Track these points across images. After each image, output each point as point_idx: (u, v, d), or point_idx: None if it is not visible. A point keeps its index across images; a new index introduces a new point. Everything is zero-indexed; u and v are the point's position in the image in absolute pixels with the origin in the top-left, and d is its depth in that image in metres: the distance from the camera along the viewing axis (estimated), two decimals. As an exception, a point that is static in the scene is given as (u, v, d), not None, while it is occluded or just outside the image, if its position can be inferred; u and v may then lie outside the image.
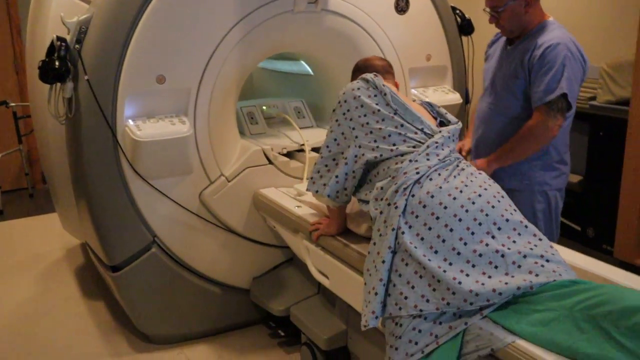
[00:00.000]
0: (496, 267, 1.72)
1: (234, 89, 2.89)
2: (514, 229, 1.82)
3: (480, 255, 1.74)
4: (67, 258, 3.96)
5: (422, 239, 1.81)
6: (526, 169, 2.53)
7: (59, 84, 2.64)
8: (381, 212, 1.92)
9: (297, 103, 3.39)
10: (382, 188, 1.98)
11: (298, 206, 2.67)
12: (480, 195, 1.86)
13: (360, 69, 2.40)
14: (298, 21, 2.91)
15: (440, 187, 1.87)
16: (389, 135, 2.04)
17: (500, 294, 1.65)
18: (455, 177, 1.93)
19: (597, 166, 3.63)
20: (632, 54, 3.32)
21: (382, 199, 1.96)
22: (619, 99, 3.45)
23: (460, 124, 2.19)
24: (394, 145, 2.03)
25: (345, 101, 2.14)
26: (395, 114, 2.08)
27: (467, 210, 1.81)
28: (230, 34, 2.74)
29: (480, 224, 1.80)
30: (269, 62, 3.37)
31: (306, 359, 2.70)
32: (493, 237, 1.78)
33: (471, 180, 1.92)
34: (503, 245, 1.76)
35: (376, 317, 1.81)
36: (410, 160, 1.97)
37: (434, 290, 1.72)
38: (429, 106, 2.29)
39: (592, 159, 3.65)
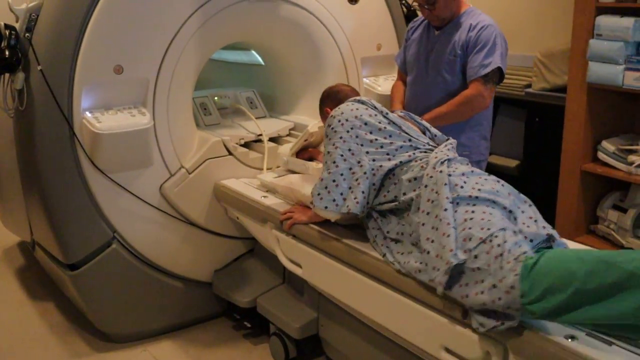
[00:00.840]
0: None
1: (191, 79, 2.83)
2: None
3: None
4: (4, 259, 3.73)
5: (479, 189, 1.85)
6: (465, 139, 2.73)
7: (7, 75, 2.50)
8: (426, 186, 1.90)
9: (248, 93, 3.36)
10: (415, 178, 1.99)
11: (264, 196, 2.66)
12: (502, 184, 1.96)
13: (330, 96, 2.50)
14: (254, 10, 2.89)
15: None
16: (401, 147, 2.09)
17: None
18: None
19: (534, 151, 3.80)
20: (564, 43, 3.49)
21: (416, 179, 1.98)
22: (553, 86, 3.62)
23: (455, 141, 2.25)
24: (406, 152, 2.08)
25: (346, 120, 2.15)
26: (400, 130, 2.13)
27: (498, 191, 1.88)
28: (188, 23, 2.69)
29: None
30: (219, 52, 3.31)
31: (276, 349, 2.69)
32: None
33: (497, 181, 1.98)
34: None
35: (455, 254, 1.71)
36: (435, 152, 2.01)
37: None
38: (412, 117, 2.36)
39: (529, 144, 3.82)
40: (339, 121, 2.15)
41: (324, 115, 2.53)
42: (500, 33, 2.66)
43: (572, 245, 2.00)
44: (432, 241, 1.81)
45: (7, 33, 2.42)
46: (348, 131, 2.13)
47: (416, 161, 2.05)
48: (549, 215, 3.53)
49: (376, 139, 2.11)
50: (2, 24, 2.43)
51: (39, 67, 2.42)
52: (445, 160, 1.96)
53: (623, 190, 3.20)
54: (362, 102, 2.20)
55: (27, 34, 2.46)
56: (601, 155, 3.15)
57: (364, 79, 3.28)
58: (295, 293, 2.72)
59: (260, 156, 2.96)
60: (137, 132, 2.54)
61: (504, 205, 1.80)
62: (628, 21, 2.85)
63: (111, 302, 2.77)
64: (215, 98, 3.25)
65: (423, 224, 1.87)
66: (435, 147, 2.14)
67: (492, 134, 4.03)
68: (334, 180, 2.10)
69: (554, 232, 1.82)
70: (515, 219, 1.81)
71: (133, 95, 2.61)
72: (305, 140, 2.76)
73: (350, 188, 2.08)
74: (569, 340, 1.56)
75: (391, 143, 2.10)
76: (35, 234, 2.94)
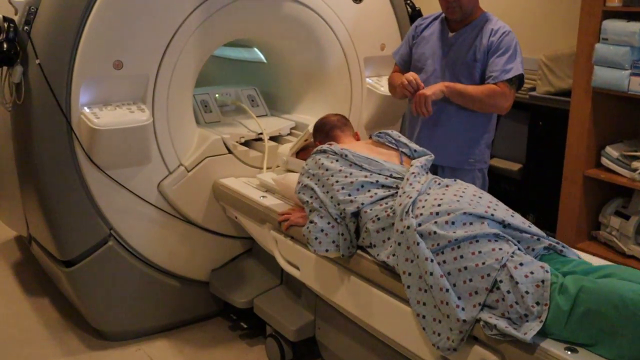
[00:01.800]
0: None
1: (192, 76, 2.79)
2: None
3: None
4: (1, 253, 3.70)
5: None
6: (471, 146, 2.70)
7: (5, 68, 2.47)
8: (399, 244, 1.85)
9: (250, 91, 3.32)
10: (383, 229, 1.97)
11: (263, 196, 2.63)
12: (480, 197, 1.92)
13: (318, 128, 2.56)
14: (257, 7, 2.85)
15: (441, 199, 1.88)
16: (362, 186, 2.07)
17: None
18: (447, 189, 1.97)
19: (537, 154, 3.76)
20: (569, 47, 3.45)
21: (388, 239, 1.95)
22: (557, 89, 3.58)
23: (432, 156, 2.24)
24: (368, 192, 2.05)
25: (313, 175, 2.18)
26: (361, 169, 2.12)
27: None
28: (190, 19, 2.66)
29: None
30: (220, 49, 3.28)
31: (272, 351, 2.66)
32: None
33: (463, 191, 1.93)
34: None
35: (463, 322, 1.67)
36: (399, 195, 1.97)
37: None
38: (388, 137, 2.33)
39: (532, 148, 3.78)
40: (309, 177, 2.20)
41: (316, 140, 2.57)
42: (518, 41, 2.64)
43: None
44: (424, 304, 1.75)
45: (6, 26, 2.38)
46: (316, 183, 2.16)
47: (380, 204, 2.01)
48: (551, 221, 3.51)
49: (337, 181, 2.10)
50: (1, 16, 2.40)
51: (37, 61, 2.39)
52: (409, 206, 1.88)
53: (626, 196, 3.16)
54: (324, 151, 2.22)
55: (25, 27, 2.42)
56: (605, 161, 3.10)
57: (367, 79, 3.24)
58: (292, 295, 2.69)
59: (261, 155, 2.93)
60: (135, 129, 2.50)
61: (487, 232, 1.74)
62: (635, 26, 2.81)
63: (106, 299, 2.74)
64: (217, 95, 3.22)
65: (408, 287, 1.80)
66: (401, 177, 2.08)
67: (495, 136, 4.01)
68: (328, 223, 2.08)
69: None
70: (509, 225, 1.80)
71: (132, 91, 2.58)
72: (306, 140, 2.72)
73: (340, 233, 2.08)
74: (569, 353, 1.52)
75: (351, 182, 2.08)
76: (32, 229, 2.91)
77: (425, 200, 1.91)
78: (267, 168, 2.89)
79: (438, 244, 1.76)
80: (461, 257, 1.72)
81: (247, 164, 2.91)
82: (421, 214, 1.84)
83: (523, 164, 3.85)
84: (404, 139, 2.34)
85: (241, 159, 2.89)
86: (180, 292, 2.89)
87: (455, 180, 2.08)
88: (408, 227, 1.82)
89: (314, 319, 2.53)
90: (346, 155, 2.16)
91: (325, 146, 2.24)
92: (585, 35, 3.06)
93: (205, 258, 2.93)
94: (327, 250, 2.07)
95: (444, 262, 1.74)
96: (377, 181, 2.07)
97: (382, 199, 2.03)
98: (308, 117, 3.20)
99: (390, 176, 2.10)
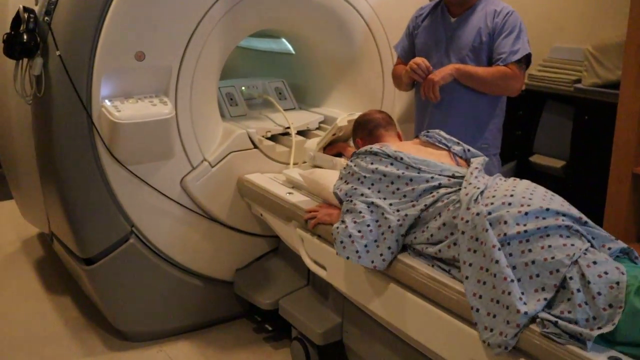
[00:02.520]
0: None
1: (216, 68, 2.80)
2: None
3: None
4: (24, 250, 3.77)
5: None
6: (483, 130, 2.75)
7: (26, 60, 2.50)
8: (463, 232, 1.82)
9: (277, 83, 3.32)
10: (444, 224, 1.92)
11: (290, 193, 2.63)
12: (552, 197, 1.88)
13: (361, 124, 2.51)
14: (284, -4, 2.84)
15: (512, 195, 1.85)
16: (424, 190, 2.03)
17: None
18: (516, 182, 1.95)
19: (582, 150, 3.67)
20: (619, 36, 3.35)
21: (445, 225, 1.92)
22: (605, 82, 3.48)
23: (486, 158, 2.22)
24: (430, 193, 2.02)
25: (365, 177, 2.11)
26: (419, 171, 2.07)
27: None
28: (214, 9, 2.66)
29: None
30: (246, 40, 3.29)
31: (297, 355, 2.65)
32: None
33: (535, 188, 1.90)
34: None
35: (525, 314, 1.62)
36: (464, 187, 1.94)
37: None
38: (437, 136, 2.31)
39: (577, 144, 3.69)
40: (359, 179, 2.12)
41: (356, 144, 2.52)
42: (522, 20, 2.70)
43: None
44: (481, 297, 1.71)
45: (26, 16, 2.42)
46: (369, 187, 2.10)
47: (442, 201, 1.97)
48: (596, 221, 3.42)
49: (398, 189, 2.06)
50: (21, 6, 2.43)
51: (58, 53, 2.41)
52: (477, 195, 1.86)
53: (679, 196, 3.06)
54: (375, 153, 2.15)
55: (46, 18, 2.45)
56: (655, 158, 3.01)
57: (400, 70, 3.19)
58: (319, 296, 2.68)
59: (287, 150, 2.93)
60: (158, 122, 2.51)
61: (559, 224, 1.71)
62: (690, 12, 2.72)
63: (127, 299, 2.77)
64: (242, 88, 3.23)
65: (467, 277, 1.76)
66: (462, 176, 2.05)
67: (537, 131, 3.91)
68: (359, 231, 2.02)
69: None
70: (585, 223, 1.78)
71: (154, 84, 2.59)
72: (334, 135, 2.71)
73: (376, 241, 2.02)
74: (614, 363, 1.47)
75: (413, 189, 2.04)
76: (53, 225, 2.96)
77: (495, 190, 1.88)
78: (294, 164, 2.89)
79: (505, 234, 1.72)
80: (529, 250, 1.68)
81: (273, 159, 2.91)
82: (491, 204, 1.81)
83: (567, 160, 3.75)
84: (453, 138, 2.31)
85: (267, 154, 2.89)
86: (203, 292, 2.91)
87: (514, 179, 2.03)
88: (477, 214, 1.78)
89: (341, 321, 2.52)
90: (401, 158, 2.10)
91: (376, 147, 2.16)
92: (637, 22, 2.96)
93: (229, 257, 2.94)
94: (347, 258, 2.03)
95: (510, 255, 1.70)
96: (439, 184, 2.03)
97: (443, 195, 1.99)
98: (337, 110, 3.19)
99: (452, 176, 2.06)
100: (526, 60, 2.66)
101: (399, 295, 2.02)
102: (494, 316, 1.67)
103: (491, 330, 1.66)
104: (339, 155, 2.75)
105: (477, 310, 1.70)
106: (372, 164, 2.12)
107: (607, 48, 3.47)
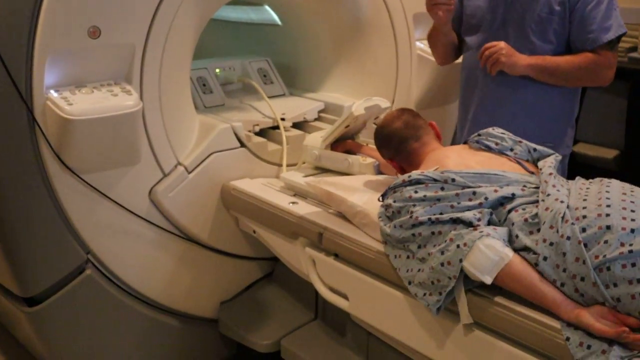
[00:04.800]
0: None
1: (190, 46, 2.79)
2: None
3: None
4: None
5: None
6: (549, 127, 2.73)
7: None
8: (545, 259, 1.83)
9: (261, 63, 3.33)
10: (517, 236, 1.92)
11: (293, 202, 2.62)
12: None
13: (383, 144, 2.46)
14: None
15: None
16: (496, 200, 2.00)
17: None
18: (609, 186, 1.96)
19: (639, 137, 3.72)
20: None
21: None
22: (668, 49, 3.55)
23: (559, 155, 2.24)
24: (502, 205, 2.00)
25: (414, 205, 2.05)
26: (473, 195, 2.02)
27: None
28: (185, -31, 2.64)
29: None
30: (220, 9, 3.26)
31: (309, 409, 2.64)
32: None
33: (632, 192, 1.93)
34: None
35: None
36: (542, 200, 1.93)
37: None
38: (490, 138, 2.29)
39: (633, 128, 3.75)
40: (409, 211, 2.06)
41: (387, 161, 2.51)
42: None
43: None
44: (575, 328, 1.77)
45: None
46: (429, 222, 2.02)
47: (516, 211, 1.97)
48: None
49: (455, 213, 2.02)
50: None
51: (-15, 31, 2.35)
52: (564, 211, 1.85)
53: None
54: (418, 182, 2.10)
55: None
56: None
57: (417, 43, 3.24)
58: (332, 333, 2.70)
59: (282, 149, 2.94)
60: (121, 118, 2.46)
61: None
62: None
63: (83, 348, 2.73)
64: (217, 70, 3.23)
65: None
66: (536, 186, 2.05)
67: (582, 114, 3.93)
68: (432, 283, 1.97)
69: None
70: None
71: (114, 68, 2.55)
72: (347, 127, 2.70)
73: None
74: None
75: (480, 203, 2.01)
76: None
77: (584, 199, 1.87)
78: (288, 165, 2.89)
79: (604, 256, 1.73)
80: (638, 280, 1.69)
81: (265, 160, 2.91)
82: (584, 217, 1.81)
83: (621, 150, 3.82)
84: (511, 136, 2.29)
85: (257, 154, 2.89)
86: (180, 334, 2.91)
87: (600, 180, 2.04)
88: (568, 238, 1.78)
89: None
90: (453, 180, 2.06)
91: (416, 174, 2.10)
92: None
93: (212, 287, 2.95)
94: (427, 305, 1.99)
95: (615, 285, 1.71)
96: (512, 194, 2.01)
97: (519, 206, 1.98)
98: (339, 95, 3.20)
99: (525, 187, 2.05)
100: (617, 39, 2.61)
101: (445, 327, 2.00)
102: (588, 347, 1.69)
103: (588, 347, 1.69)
104: (349, 153, 2.75)
105: (568, 339, 1.73)
106: (416, 192, 2.07)
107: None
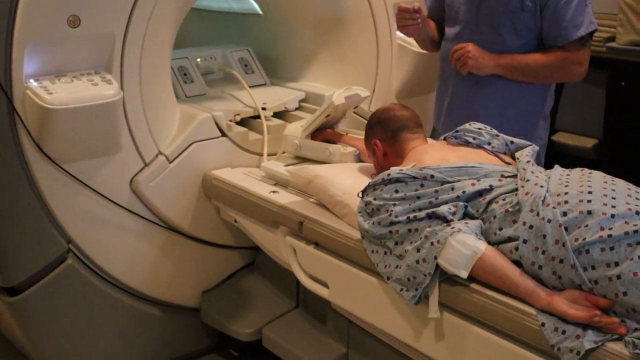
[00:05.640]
0: None
1: (170, 35, 2.79)
2: None
3: None
4: None
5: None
6: (522, 119, 2.75)
7: None
8: (525, 241, 1.86)
9: (242, 53, 3.32)
10: (500, 229, 1.94)
11: (274, 191, 2.63)
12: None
13: (382, 122, 2.43)
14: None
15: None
16: (473, 194, 2.02)
17: None
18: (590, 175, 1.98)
19: (618, 126, 3.75)
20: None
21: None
22: (645, 38, 3.57)
23: (536, 147, 2.27)
24: (481, 196, 2.02)
25: (394, 204, 2.06)
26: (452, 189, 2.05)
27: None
28: (165, -43, 2.64)
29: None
30: (200, -1, 3.28)
31: (291, 396, 2.65)
32: None
33: (613, 181, 1.94)
34: None
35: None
36: (521, 186, 1.95)
37: None
38: (467, 134, 2.32)
39: (611, 117, 3.78)
40: (387, 210, 2.07)
41: (369, 145, 2.47)
42: None
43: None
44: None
45: None
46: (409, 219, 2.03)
47: (497, 202, 1.99)
48: None
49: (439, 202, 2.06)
50: None
51: (-35, 20, 2.34)
52: (544, 195, 1.88)
53: None
54: (397, 180, 2.10)
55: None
56: None
57: (398, 33, 3.20)
58: (313, 321, 2.71)
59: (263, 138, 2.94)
60: (101, 107, 2.46)
61: None
62: None
63: (65, 338, 2.73)
64: (198, 60, 3.22)
65: None
66: (513, 175, 2.08)
67: (561, 104, 3.96)
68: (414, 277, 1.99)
69: None
70: None
71: (94, 57, 2.55)
72: (327, 116, 2.71)
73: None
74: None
75: (458, 197, 2.03)
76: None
77: (566, 185, 1.90)
78: (269, 155, 2.89)
79: (584, 239, 1.75)
80: (616, 263, 1.72)
81: (246, 150, 2.92)
82: (565, 202, 1.84)
83: (599, 139, 3.85)
84: (488, 130, 2.32)
85: (238, 144, 2.90)
86: (162, 323, 2.91)
87: (581, 169, 2.05)
88: (549, 221, 1.81)
89: (346, 351, 2.53)
90: (432, 176, 2.07)
91: (394, 172, 2.11)
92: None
93: (193, 276, 2.95)
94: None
95: (593, 268, 1.74)
96: (490, 186, 2.03)
97: (498, 196, 2.00)
98: (320, 85, 3.21)
99: (502, 176, 2.07)
100: (589, 36, 2.62)
101: (425, 314, 2.00)
102: (563, 332, 1.71)
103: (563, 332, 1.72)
104: (328, 142, 2.75)
105: (543, 324, 1.75)
106: (396, 192, 2.09)
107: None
